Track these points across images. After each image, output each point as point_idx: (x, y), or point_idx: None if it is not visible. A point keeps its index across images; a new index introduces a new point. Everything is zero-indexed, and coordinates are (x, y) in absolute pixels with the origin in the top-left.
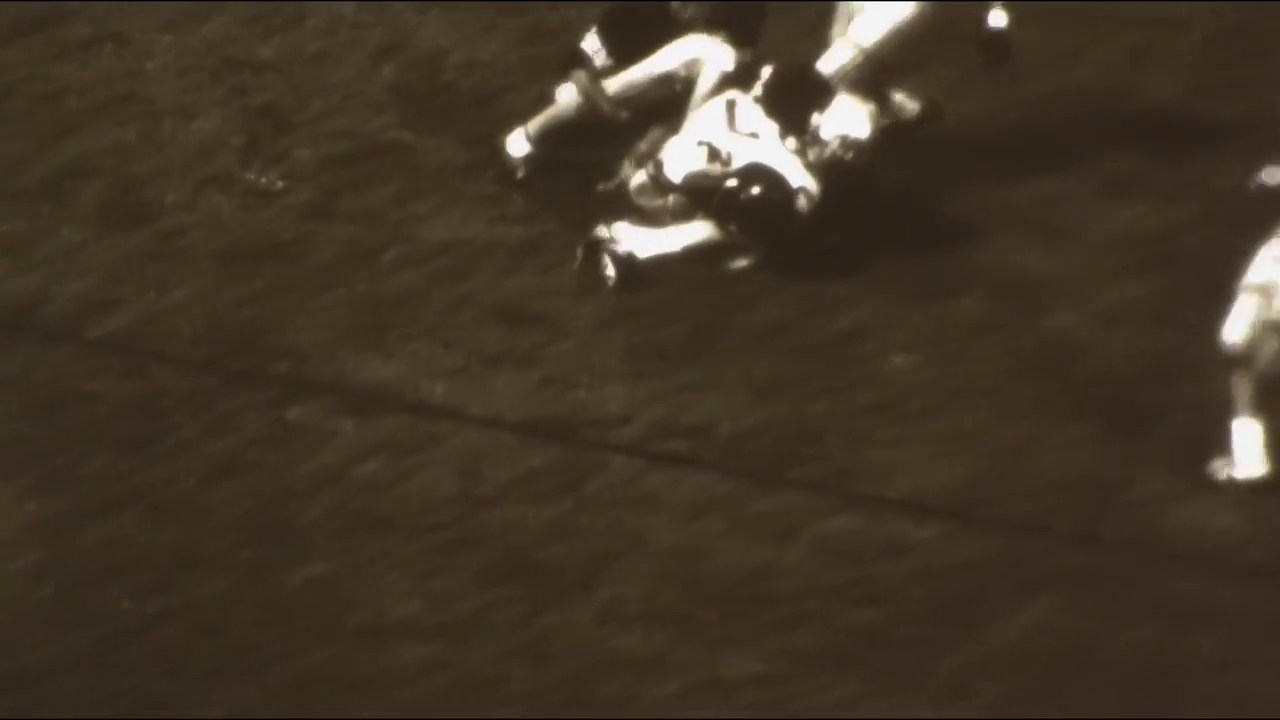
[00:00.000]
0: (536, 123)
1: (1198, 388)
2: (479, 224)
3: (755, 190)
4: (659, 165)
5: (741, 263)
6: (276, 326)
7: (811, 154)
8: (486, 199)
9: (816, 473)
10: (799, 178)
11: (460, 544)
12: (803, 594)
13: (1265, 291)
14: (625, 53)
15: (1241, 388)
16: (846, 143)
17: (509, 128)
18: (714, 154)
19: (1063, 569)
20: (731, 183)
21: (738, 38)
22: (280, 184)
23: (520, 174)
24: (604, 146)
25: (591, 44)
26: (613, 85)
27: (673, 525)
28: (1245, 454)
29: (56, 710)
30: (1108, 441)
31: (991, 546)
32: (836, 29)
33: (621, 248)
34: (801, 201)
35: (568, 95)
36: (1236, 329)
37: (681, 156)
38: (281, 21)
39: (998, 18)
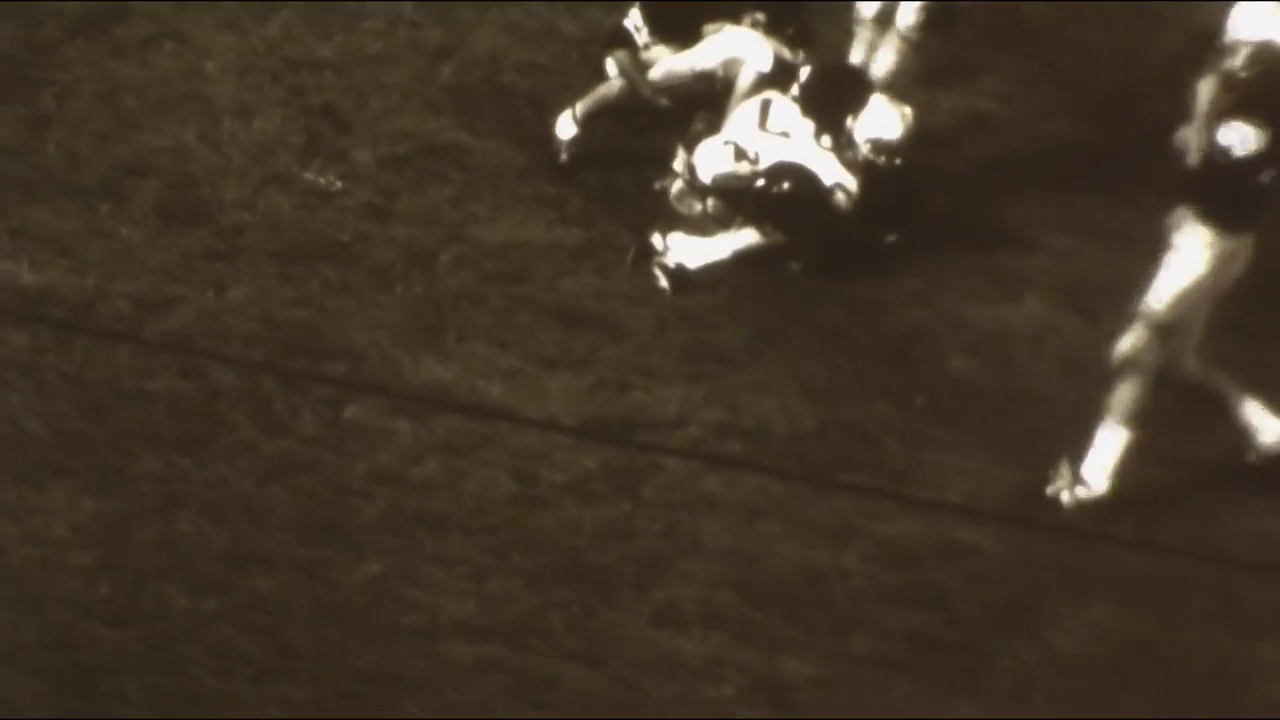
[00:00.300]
0: (583, 105)
1: (1257, 393)
2: (536, 225)
3: (785, 186)
4: (692, 169)
5: (798, 265)
6: (333, 327)
7: (846, 156)
8: (544, 200)
9: (873, 476)
10: (834, 174)
11: (515, 545)
12: (859, 597)
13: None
14: (666, 30)
15: (1121, 395)
16: (878, 145)
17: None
18: (740, 153)
19: (1120, 574)
20: (761, 182)
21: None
22: (338, 184)
23: (564, 157)
24: (656, 138)
25: (634, 20)
26: (654, 71)
27: (729, 528)
28: (1095, 465)
29: (111, 708)
30: (1165, 446)
31: (1048, 551)
32: (864, 8)
33: (671, 259)
34: (840, 197)
35: (612, 72)
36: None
37: (711, 157)
38: (341, 22)
39: None
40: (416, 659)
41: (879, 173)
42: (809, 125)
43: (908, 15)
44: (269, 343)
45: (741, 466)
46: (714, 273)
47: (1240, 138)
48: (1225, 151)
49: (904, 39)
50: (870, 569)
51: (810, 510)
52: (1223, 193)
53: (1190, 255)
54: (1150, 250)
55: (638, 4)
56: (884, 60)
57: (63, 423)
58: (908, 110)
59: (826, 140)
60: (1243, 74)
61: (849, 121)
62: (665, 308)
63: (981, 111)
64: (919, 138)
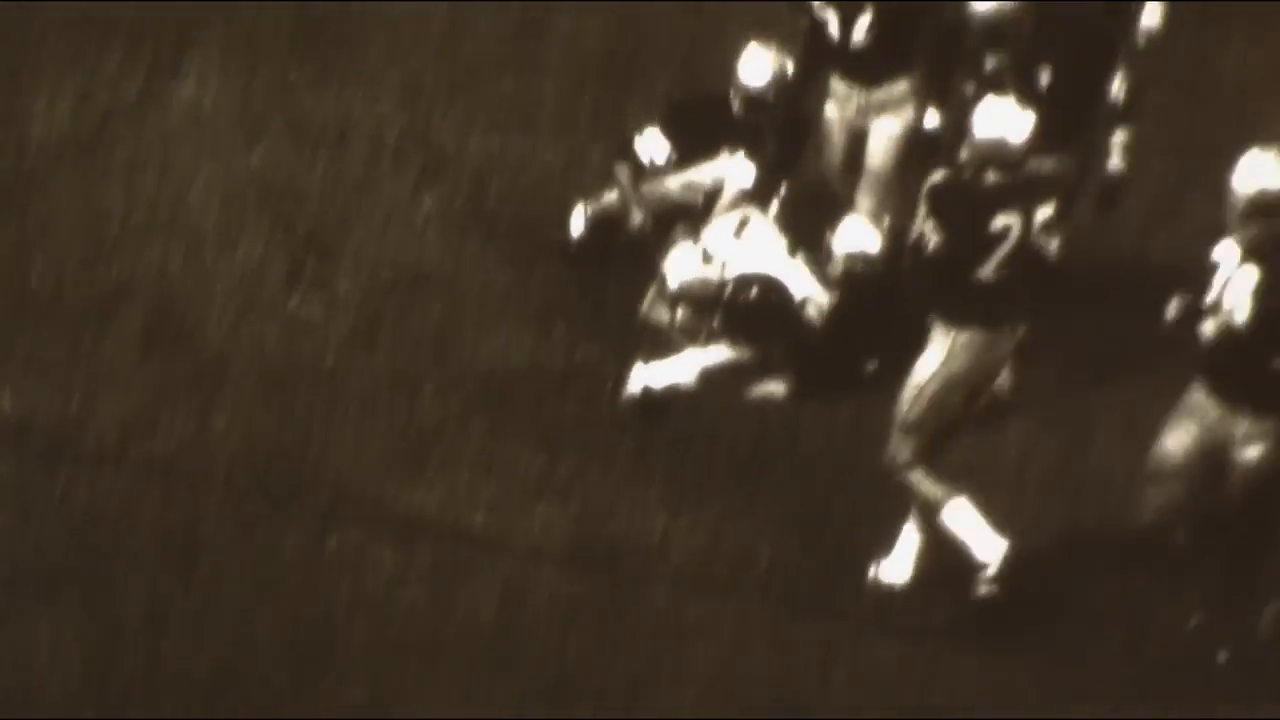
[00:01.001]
0: (595, 206)
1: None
2: (520, 351)
3: (752, 294)
4: (663, 277)
5: (783, 390)
6: (317, 453)
7: (827, 270)
8: (528, 326)
9: (858, 601)
10: (805, 287)
11: (500, 672)
12: None
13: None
14: (682, 151)
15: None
16: (855, 256)
17: (551, 255)
18: (708, 257)
19: (1106, 694)
20: (728, 290)
21: (778, 159)
22: (322, 310)
23: (570, 251)
24: (640, 265)
25: (650, 139)
26: (648, 187)
27: (713, 655)
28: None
29: None
30: (1150, 572)
31: (1033, 674)
32: (830, 155)
33: (634, 388)
34: (811, 312)
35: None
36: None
37: (681, 263)
38: (325, 148)
39: None
40: None
41: (858, 289)
42: (784, 241)
43: (877, 156)
44: (252, 469)
45: (725, 594)
46: (695, 398)
47: (935, 241)
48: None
49: (879, 177)
50: (855, 696)
51: (794, 636)
52: (955, 291)
53: (937, 354)
54: (1140, 379)
55: (658, 120)
56: (866, 191)
57: (46, 547)
58: (886, 222)
59: (801, 257)
60: (969, 171)
61: (827, 236)
62: (649, 435)
63: None
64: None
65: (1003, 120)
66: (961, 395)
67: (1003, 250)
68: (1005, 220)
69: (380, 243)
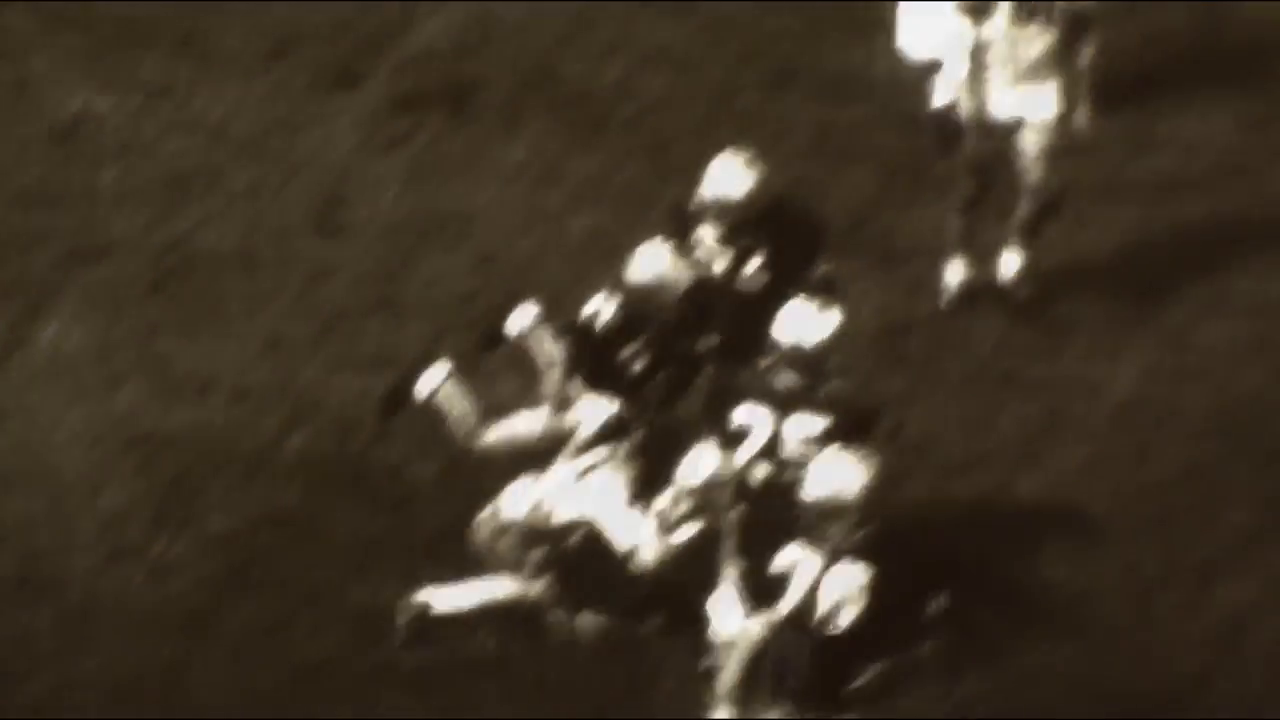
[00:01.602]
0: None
1: None
2: (389, 592)
3: (570, 542)
4: (499, 500)
5: (590, 628)
6: (187, 698)
7: (682, 507)
8: (397, 567)
9: None
10: (636, 536)
11: None
12: None
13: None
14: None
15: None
16: (707, 488)
17: (419, 499)
18: (538, 507)
19: None
20: (552, 532)
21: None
22: (189, 555)
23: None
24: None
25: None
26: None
27: None
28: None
29: None
30: None
31: None
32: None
33: (412, 607)
34: (642, 559)
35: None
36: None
37: (516, 498)
38: (191, 392)
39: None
40: None
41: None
42: (627, 486)
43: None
44: (122, 715)
45: None
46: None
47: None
48: None
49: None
50: None
51: None
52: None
53: None
54: None
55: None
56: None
57: None
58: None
59: (642, 505)
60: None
61: (675, 470)
62: (519, 677)
63: None
64: None
65: (802, 323)
66: None
67: (748, 448)
68: (748, 418)
69: (247, 485)
